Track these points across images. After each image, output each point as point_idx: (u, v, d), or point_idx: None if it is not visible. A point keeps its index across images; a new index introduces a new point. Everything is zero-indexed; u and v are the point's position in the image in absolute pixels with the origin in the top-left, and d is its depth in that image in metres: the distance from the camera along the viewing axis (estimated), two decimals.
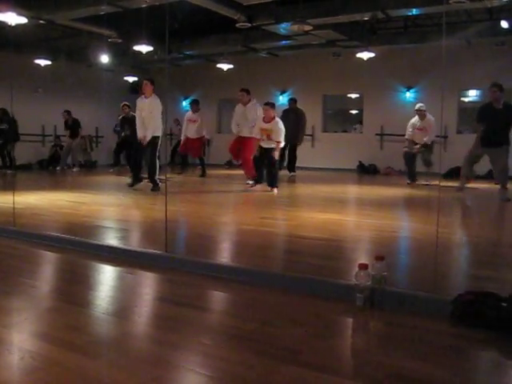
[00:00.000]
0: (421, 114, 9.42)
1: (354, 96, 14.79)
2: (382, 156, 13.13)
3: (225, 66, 12.68)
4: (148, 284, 3.25)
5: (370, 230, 4.97)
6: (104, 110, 13.59)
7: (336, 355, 2.10)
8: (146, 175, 8.14)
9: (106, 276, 3.39)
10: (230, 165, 14.04)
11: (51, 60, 12.25)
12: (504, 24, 9.75)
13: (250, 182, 8.54)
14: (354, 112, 15.63)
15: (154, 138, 7.88)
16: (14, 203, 4.83)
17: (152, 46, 10.50)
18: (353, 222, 5.62)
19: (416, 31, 11.50)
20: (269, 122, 8.00)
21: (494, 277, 3.22)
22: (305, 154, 12.50)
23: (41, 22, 10.14)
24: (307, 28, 9.34)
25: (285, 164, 10.62)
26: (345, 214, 6.31)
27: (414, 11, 10.03)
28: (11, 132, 11.02)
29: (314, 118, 13.97)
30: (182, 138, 10.95)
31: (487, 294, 2.45)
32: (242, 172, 9.20)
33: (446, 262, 3.46)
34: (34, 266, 3.62)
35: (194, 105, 10.97)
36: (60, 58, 12.43)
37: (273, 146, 7.97)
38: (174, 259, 3.42)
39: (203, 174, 10.93)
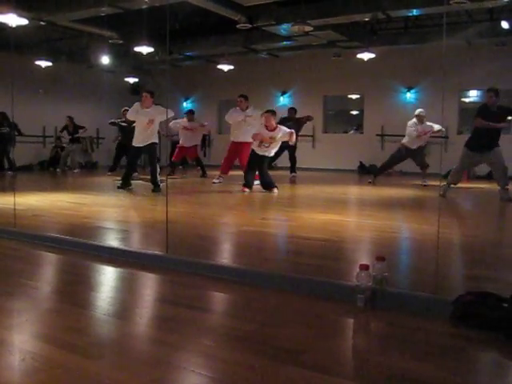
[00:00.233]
0: (420, 118, 9.44)
1: (354, 97, 14.80)
2: (382, 156, 13.07)
3: (225, 67, 12.70)
4: (149, 285, 3.25)
5: (370, 231, 4.97)
6: (105, 111, 13.61)
7: (337, 356, 2.10)
8: (142, 177, 8.22)
9: (107, 277, 3.39)
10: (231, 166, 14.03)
11: (52, 61, 12.26)
12: (504, 24, 9.75)
13: (256, 183, 8.62)
14: (354, 113, 15.64)
15: (154, 144, 8.06)
16: (14, 204, 4.83)
17: (153, 47, 10.52)
18: (353, 223, 5.62)
19: (416, 32, 11.51)
20: (272, 130, 8.03)
21: (494, 277, 3.21)
22: (305, 155, 12.52)
23: (41, 23, 10.17)
24: (307, 29, 9.34)
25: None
26: (345, 215, 6.31)
27: (415, 12, 10.04)
28: (12, 135, 11.03)
29: (314, 118, 13.97)
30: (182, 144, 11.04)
31: (488, 294, 2.45)
32: (242, 173, 9.24)
33: (446, 263, 3.46)
34: (35, 267, 3.62)
35: (190, 114, 11.11)
36: (61, 60, 12.45)
37: (269, 153, 8.06)
38: (174, 260, 3.42)
39: (204, 175, 10.95)
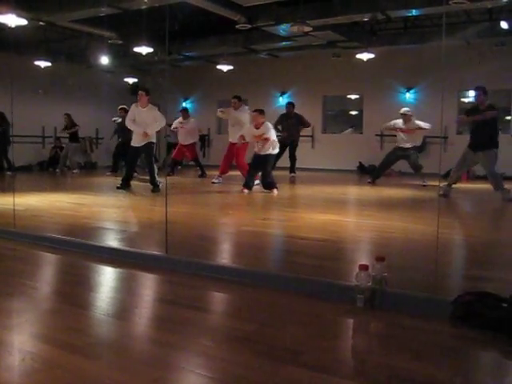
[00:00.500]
0: (406, 117, 9.46)
1: (353, 97, 14.80)
2: (382, 157, 13.08)
3: (225, 67, 12.70)
4: (148, 285, 3.25)
5: (370, 231, 4.97)
6: (104, 112, 13.60)
7: (337, 356, 2.10)
8: (141, 177, 8.22)
9: (107, 277, 3.39)
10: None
11: (51, 61, 12.25)
12: (503, 24, 9.75)
13: (255, 182, 8.66)
14: (353, 113, 15.65)
15: (150, 144, 8.04)
16: (14, 205, 4.83)
17: (152, 47, 10.51)
18: (353, 223, 5.62)
19: (416, 32, 11.51)
20: (259, 127, 8.08)
21: (494, 277, 3.22)
22: (305, 155, 12.52)
23: (41, 23, 10.16)
24: (307, 29, 9.34)
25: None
26: (345, 215, 6.31)
27: (414, 12, 10.04)
28: (8, 135, 11.01)
29: (314, 119, 13.96)
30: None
31: (487, 294, 2.45)
32: (240, 173, 9.27)
33: (446, 263, 3.46)
34: (35, 267, 3.62)
35: (184, 112, 11.20)
36: (60, 60, 12.44)
37: (268, 152, 8.04)
38: (174, 260, 3.42)
39: (203, 175, 10.95)
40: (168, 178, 10.15)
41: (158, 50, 10.88)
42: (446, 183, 7.56)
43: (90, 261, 3.61)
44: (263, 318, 2.50)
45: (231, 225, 5.54)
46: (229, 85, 13.27)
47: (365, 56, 11.16)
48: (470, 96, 13.39)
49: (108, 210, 6.50)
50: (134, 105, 8.23)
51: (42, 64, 12.16)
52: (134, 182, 8.99)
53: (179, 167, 11.97)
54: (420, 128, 9.38)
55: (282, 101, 14.31)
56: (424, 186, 9.16)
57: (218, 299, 2.99)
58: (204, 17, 10.09)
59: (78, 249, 3.87)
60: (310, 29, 9.43)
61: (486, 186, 7.71)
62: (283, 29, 10.54)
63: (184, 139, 10.92)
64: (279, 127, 10.52)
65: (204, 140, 15.77)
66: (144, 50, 10.59)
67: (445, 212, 6.16)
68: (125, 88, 14.62)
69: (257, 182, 8.62)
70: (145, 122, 7.98)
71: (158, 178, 8.04)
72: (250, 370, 1.90)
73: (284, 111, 11.15)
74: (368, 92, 13.66)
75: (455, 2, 7.79)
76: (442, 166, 8.98)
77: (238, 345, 2.16)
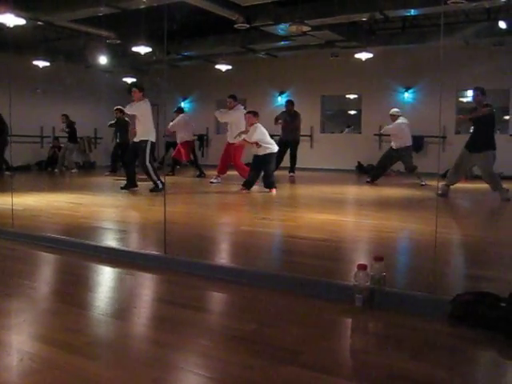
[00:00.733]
0: (393, 118, 9.51)
1: (352, 97, 14.80)
2: (380, 156, 13.13)
3: (223, 67, 12.69)
4: (147, 285, 3.25)
5: (368, 231, 4.98)
6: (102, 112, 13.58)
7: (335, 356, 2.10)
8: (140, 177, 8.19)
9: (105, 277, 3.39)
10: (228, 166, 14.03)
11: (50, 61, 12.24)
12: (502, 24, 9.76)
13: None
14: (352, 113, 15.65)
15: (141, 142, 7.93)
16: (12, 204, 4.82)
17: (150, 46, 10.51)
18: (352, 223, 5.63)
19: (414, 32, 11.52)
20: (248, 129, 8.12)
21: (492, 277, 3.22)
22: (303, 155, 12.51)
23: (39, 23, 10.15)
24: (305, 29, 9.35)
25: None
26: (343, 215, 6.31)
27: (412, 12, 10.04)
28: (6, 136, 10.99)
29: (312, 118, 13.99)
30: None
31: (486, 294, 2.45)
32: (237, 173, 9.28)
33: (444, 263, 3.46)
34: (33, 267, 3.61)
35: (179, 112, 11.23)
36: (58, 60, 12.42)
37: (267, 151, 8.03)
38: (172, 260, 3.42)
39: (201, 175, 10.93)
40: (168, 177, 10.17)
41: (157, 49, 10.87)
42: (444, 183, 7.56)
43: (88, 261, 3.61)
44: (262, 318, 2.50)
45: (230, 224, 5.54)
46: (227, 84, 13.25)
47: (363, 56, 11.17)
48: (469, 96, 13.40)
49: (106, 210, 6.50)
50: (129, 104, 8.22)
51: (41, 64, 12.15)
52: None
53: (178, 167, 11.96)
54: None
55: (281, 100, 14.30)
56: (422, 185, 9.17)
57: (217, 299, 2.99)
58: (202, 16, 10.08)
59: (77, 249, 3.86)
60: (309, 28, 9.43)
61: (484, 186, 7.71)
62: (282, 28, 10.53)
63: (180, 137, 10.93)
64: (280, 121, 10.61)
65: (203, 140, 15.76)
66: (142, 49, 10.59)
67: (443, 211, 6.16)
68: (123, 88, 14.60)
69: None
70: (136, 117, 8.01)
71: (155, 177, 7.93)
72: (249, 370, 1.90)
73: (283, 110, 11.16)
74: (366, 92, 13.66)
75: (453, 2, 7.80)
76: (440, 166, 8.99)
77: (237, 345, 2.16)
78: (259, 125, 8.11)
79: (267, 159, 8.03)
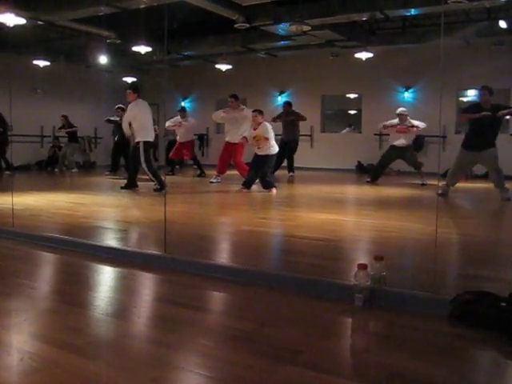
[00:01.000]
0: (402, 117, 9.48)
1: (352, 96, 14.79)
2: (380, 156, 13.13)
3: (223, 67, 12.69)
4: (147, 285, 3.25)
5: (368, 230, 4.98)
6: (103, 111, 13.57)
7: (335, 355, 2.11)
8: (141, 176, 8.19)
9: (105, 277, 3.39)
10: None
11: (50, 61, 12.24)
12: (502, 24, 9.76)
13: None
14: (352, 112, 15.64)
15: (136, 144, 7.93)
16: (12, 204, 4.82)
17: (151, 46, 10.51)
18: (352, 222, 5.62)
19: (414, 31, 11.51)
20: (256, 128, 8.08)
21: (492, 277, 3.22)
22: (304, 155, 12.51)
23: (39, 22, 10.14)
24: (305, 28, 9.34)
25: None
26: (343, 214, 6.31)
27: (413, 11, 10.03)
28: (6, 135, 10.99)
29: (312, 118, 13.97)
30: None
31: (486, 293, 2.45)
32: (238, 173, 9.27)
33: (444, 262, 3.46)
34: (33, 267, 3.61)
35: (181, 112, 11.19)
36: (59, 59, 12.43)
37: (268, 152, 8.05)
38: (173, 260, 3.42)
39: (201, 174, 10.94)
40: (168, 177, 10.18)
41: (157, 49, 10.89)
42: (444, 183, 7.55)
43: (88, 260, 3.61)
44: (262, 318, 2.50)
45: (230, 224, 5.54)
46: (227, 84, 13.24)
47: (363, 55, 11.16)
48: (469, 95, 13.41)
49: (107, 210, 6.50)
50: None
51: (41, 63, 12.16)
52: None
53: (177, 167, 11.96)
54: (413, 126, 9.41)
55: (281, 100, 14.30)
56: (423, 185, 9.16)
57: (217, 299, 2.99)
58: (202, 16, 10.08)
59: (77, 248, 3.87)
60: (309, 28, 9.42)
61: (484, 186, 7.72)
62: (282, 28, 10.53)
63: (183, 137, 10.93)
64: (277, 120, 10.64)
65: (203, 139, 15.77)
66: (143, 49, 10.59)
67: (443, 211, 6.16)
68: (123, 87, 14.60)
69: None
70: (130, 120, 8.02)
71: (152, 177, 7.92)
72: (249, 370, 1.90)
73: (279, 113, 11.18)
74: (367, 91, 13.66)
75: (454, 2, 7.79)
76: (440, 166, 8.98)
77: (237, 344, 2.16)
78: (268, 123, 8.16)
79: (266, 160, 8.04)
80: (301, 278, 2.98)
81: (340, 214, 6.27)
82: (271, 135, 8.04)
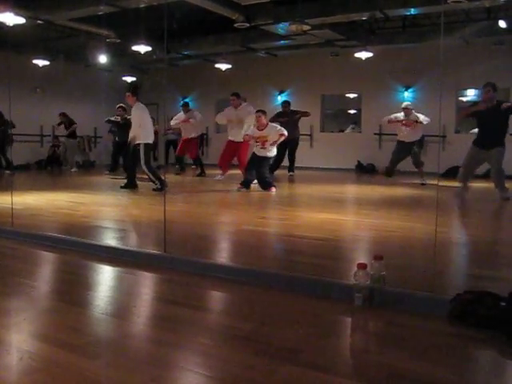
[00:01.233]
0: (407, 111, 9.43)
1: (352, 96, 14.80)
2: (380, 155, 13.13)
3: (223, 66, 12.68)
4: (147, 284, 3.25)
5: (368, 230, 4.98)
6: (102, 111, 13.56)
7: (335, 355, 2.11)
8: (139, 176, 8.20)
9: (105, 276, 3.39)
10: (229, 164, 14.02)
11: (49, 60, 12.24)
12: (502, 23, 9.75)
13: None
14: (352, 112, 15.64)
15: (136, 146, 7.94)
16: (12, 203, 4.82)
17: (150, 46, 10.50)
18: (351, 222, 5.62)
19: (414, 31, 11.50)
20: (263, 129, 8.08)
21: (492, 276, 3.22)
22: (303, 154, 12.50)
23: (39, 22, 10.13)
24: (305, 28, 9.34)
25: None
26: (343, 214, 6.31)
27: (413, 11, 10.03)
28: (6, 134, 10.99)
29: (312, 117, 13.92)
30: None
31: (486, 293, 2.45)
32: (240, 172, 9.25)
33: (444, 262, 3.46)
34: (33, 266, 3.61)
35: (184, 106, 11.10)
36: (58, 58, 12.42)
37: (267, 154, 8.06)
38: (172, 259, 3.42)
39: (201, 174, 10.92)
40: (178, 175, 10.26)
41: (157, 48, 10.87)
42: (460, 185, 7.39)
43: (88, 260, 3.61)
44: (262, 317, 2.50)
45: (229, 224, 5.54)
46: (227, 83, 13.24)
47: (363, 55, 11.16)
48: (468, 95, 13.41)
49: (106, 209, 6.50)
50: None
51: (41, 63, 12.15)
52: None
53: (177, 166, 11.94)
54: (418, 121, 9.36)
55: (281, 99, 14.29)
56: (423, 184, 9.16)
57: (217, 298, 2.99)
58: (202, 15, 10.07)
59: (77, 248, 3.86)
60: (309, 27, 9.42)
61: (485, 185, 7.71)
62: (282, 27, 10.53)
63: (188, 133, 10.80)
64: (279, 120, 10.62)
65: (203, 139, 15.76)
66: (142, 48, 10.58)
67: (443, 211, 6.15)
68: (123, 87, 14.59)
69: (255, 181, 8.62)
70: (133, 122, 8.06)
71: (153, 178, 7.92)
72: (249, 369, 1.90)
73: (280, 111, 11.15)
74: (366, 91, 13.66)
75: (454, 1, 7.79)
76: (440, 165, 8.98)
77: (237, 344, 2.16)
78: (272, 124, 8.24)
79: (263, 161, 8.06)
80: (300, 277, 2.98)
81: (340, 213, 6.27)
82: (282, 132, 8.01)
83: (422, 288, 2.70)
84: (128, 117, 10.47)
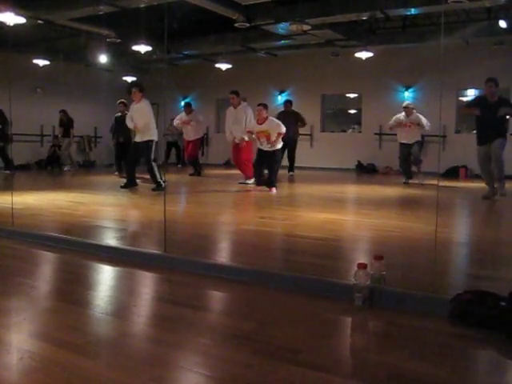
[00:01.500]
0: (408, 110, 9.42)
1: (352, 96, 14.79)
2: (380, 155, 13.14)
3: (223, 66, 12.68)
4: (147, 284, 3.25)
5: (368, 230, 4.98)
6: (102, 110, 13.59)
7: (335, 355, 2.10)
8: (147, 176, 8.18)
9: (105, 276, 3.39)
10: (228, 164, 14.04)
11: (50, 60, 12.23)
12: (502, 24, 9.75)
13: (249, 182, 8.63)
14: (352, 112, 15.63)
15: (147, 142, 7.90)
16: (12, 203, 4.82)
17: (150, 45, 10.50)
18: (352, 222, 5.62)
19: (414, 31, 11.50)
20: (262, 123, 7.97)
21: (492, 276, 3.22)
22: (303, 154, 12.50)
23: (39, 21, 10.13)
24: (306, 28, 9.34)
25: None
26: (343, 214, 6.31)
27: (413, 11, 10.04)
28: (6, 132, 10.98)
29: (312, 117, 13.97)
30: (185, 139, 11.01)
31: (486, 293, 2.45)
32: (240, 172, 9.24)
33: (444, 262, 3.46)
34: (33, 266, 3.61)
35: (187, 107, 11.05)
36: (58, 58, 12.41)
37: (276, 147, 7.95)
38: (172, 259, 3.42)
39: (194, 174, 10.87)
40: (192, 175, 10.30)
41: (157, 48, 10.87)
42: (501, 184, 7.22)
43: (88, 259, 3.61)
44: (262, 317, 2.50)
45: (230, 223, 5.53)
46: (227, 83, 13.20)
47: (363, 55, 11.16)
48: (469, 95, 13.40)
49: (106, 209, 6.49)
50: (131, 104, 8.26)
51: (41, 62, 12.15)
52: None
53: (180, 165, 11.93)
54: (419, 124, 9.35)
55: (281, 99, 14.29)
56: (422, 184, 9.16)
57: (217, 298, 2.99)
58: (203, 15, 10.07)
59: (77, 247, 3.86)
60: (309, 27, 9.43)
61: (484, 185, 7.69)
62: (282, 27, 10.53)
63: (191, 134, 10.77)
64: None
65: (203, 139, 15.75)
66: (142, 48, 10.58)
67: (443, 211, 6.16)
68: (123, 87, 14.59)
69: (251, 181, 8.59)
70: (137, 118, 7.98)
71: (159, 177, 7.94)
72: (249, 369, 1.90)
73: (282, 110, 11.13)
74: (367, 91, 13.66)
75: (454, 1, 7.79)
76: (440, 165, 8.98)
77: (237, 343, 2.16)
78: (272, 118, 8.13)
79: (275, 155, 7.91)
80: (301, 277, 2.98)
81: (340, 213, 6.27)
82: (278, 129, 7.86)
83: (423, 288, 2.70)
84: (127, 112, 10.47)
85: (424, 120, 9.31)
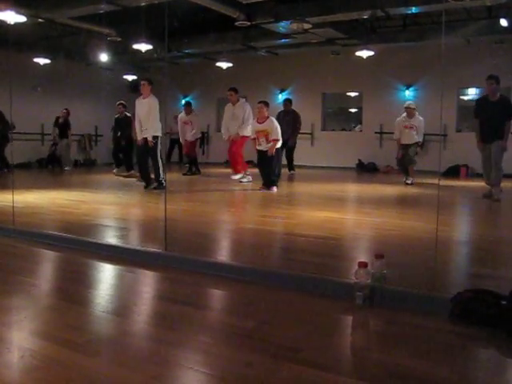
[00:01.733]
0: (410, 111, 9.39)
1: (353, 94, 14.79)
2: (381, 154, 13.14)
3: (224, 65, 12.68)
4: (147, 282, 3.25)
5: (369, 228, 4.97)
6: (103, 109, 13.59)
7: (336, 353, 2.10)
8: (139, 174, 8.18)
9: (106, 274, 3.39)
10: (228, 163, 14.02)
11: (50, 59, 12.24)
12: (503, 22, 9.74)
13: (236, 177, 8.64)
14: (353, 110, 15.63)
15: (154, 138, 7.80)
16: (13, 202, 4.83)
17: (151, 44, 10.50)
18: (352, 220, 5.62)
19: (415, 29, 11.50)
20: (263, 122, 7.84)
21: (493, 275, 3.22)
22: (304, 153, 12.51)
23: (40, 20, 10.13)
24: (306, 26, 9.34)
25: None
26: (344, 213, 6.31)
27: (414, 9, 10.02)
28: (4, 134, 10.98)
29: (313, 116, 13.99)
30: (182, 140, 10.96)
31: (486, 291, 2.45)
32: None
33: (445, 260, 3.46)
34: (34, 264, 3.62)
35: (187, 107, 11.01)
36: (59, 57, 12.42)
37: (276, 146, 7.91)
38: (173, 257, 3.42)
39: (187, 173, 10.87)
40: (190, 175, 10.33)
41: (158, 47, 10.87)
42: (497, 188, 7.19)
43: (88, 258, 3.61)
44: (262, 316, 2.50)
45: (230, 222, 5.54)
46: (228, 82, 13.19)
47: (364, 53, 11.15)
48: (470, 94, 13.40)
49: (107, 208, 6.50)
50: (137, 99, 8.10)
51: (41, 61, 12.15)
52: (132, 179, 9.02)
53: (187, 165, 11.89)
54: (415, 128, 9.33)
55: (282, 98, 14.29)
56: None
57: (217, 296, 2.99)
58: (203, 14, 10.07)
59: (77, 246, 3.87)
60: (310, 26, 9.42)
61: (484, 184, 7.68)
62: (282, 26, 10.52)
63: (189, 135, 10.74)
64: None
65: (203, 138, 15.75)
66: (143, 47, 10.58)
67: (444, 209, 6.15)
68: (124, 85, 14.60)
69: (248, 179, 8.60)
70: (143, 114, 7.87)
71: (162, 176, 7.90)
72: (249, 367, 1.90)
73: (279, 112, 11.13)
74: (367, 89, 13.65)
75: (455, 0, 7.77)
76: (441, 164, 8.97)
77: (237, 342, 2.16)
78: (273, 118, 8.02)
79: (274, 156, 7.81)
80: (301, 275, 2.98)
81: (341, 212, 6.27)
82: (278, 133, 7.75)
83: (423, 286, 2.70)
84: (128, 114, 10.47)
85: (421, 129, 9.29)
